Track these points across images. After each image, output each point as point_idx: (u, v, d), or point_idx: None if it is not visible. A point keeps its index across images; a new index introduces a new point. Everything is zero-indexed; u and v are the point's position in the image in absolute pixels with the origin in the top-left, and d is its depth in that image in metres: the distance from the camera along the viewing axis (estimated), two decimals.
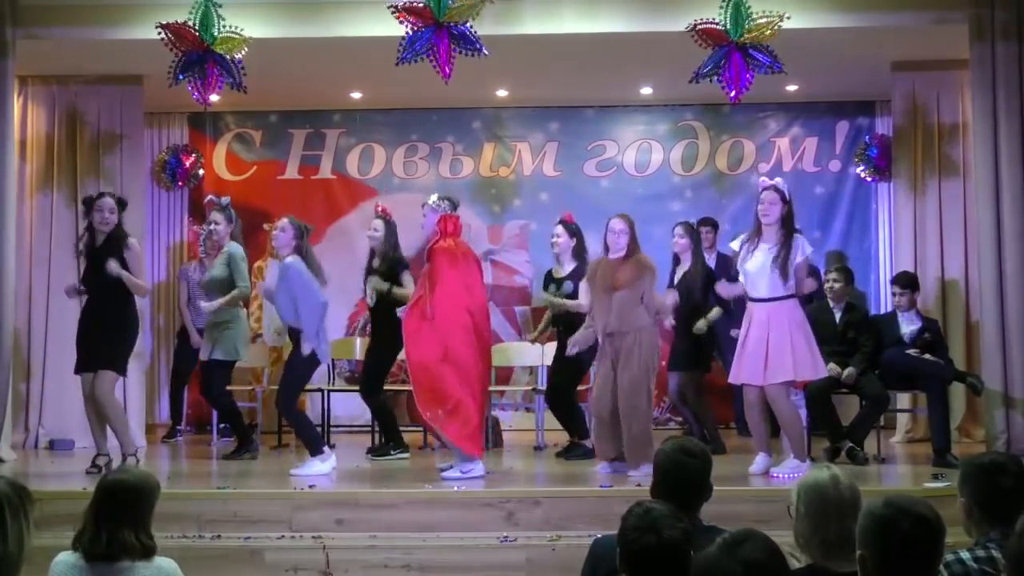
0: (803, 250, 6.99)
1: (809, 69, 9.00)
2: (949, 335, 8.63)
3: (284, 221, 7.49)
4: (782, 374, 6.90)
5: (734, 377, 7.14)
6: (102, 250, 7.38)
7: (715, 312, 8.28)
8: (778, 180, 7.22)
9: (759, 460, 7.11)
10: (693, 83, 7.82)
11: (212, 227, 8.27)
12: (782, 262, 6.88)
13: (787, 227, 6.99)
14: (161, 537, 3.65)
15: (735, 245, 7.27)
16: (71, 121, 9.19)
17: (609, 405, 7.12)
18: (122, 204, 7.55)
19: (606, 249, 7.36)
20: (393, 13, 7.57)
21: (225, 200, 8.41)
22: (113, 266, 7.27)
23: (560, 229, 8.30)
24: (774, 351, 6.88)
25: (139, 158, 9.42)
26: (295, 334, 7.38)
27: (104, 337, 7.39)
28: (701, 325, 8.23)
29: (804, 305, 7.93)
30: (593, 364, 7.79)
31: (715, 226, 9.67)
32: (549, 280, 8.43)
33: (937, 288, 9.00)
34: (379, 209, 8.42)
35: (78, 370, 7.52)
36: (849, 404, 8.16)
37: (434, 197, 7.39)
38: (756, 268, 6.96)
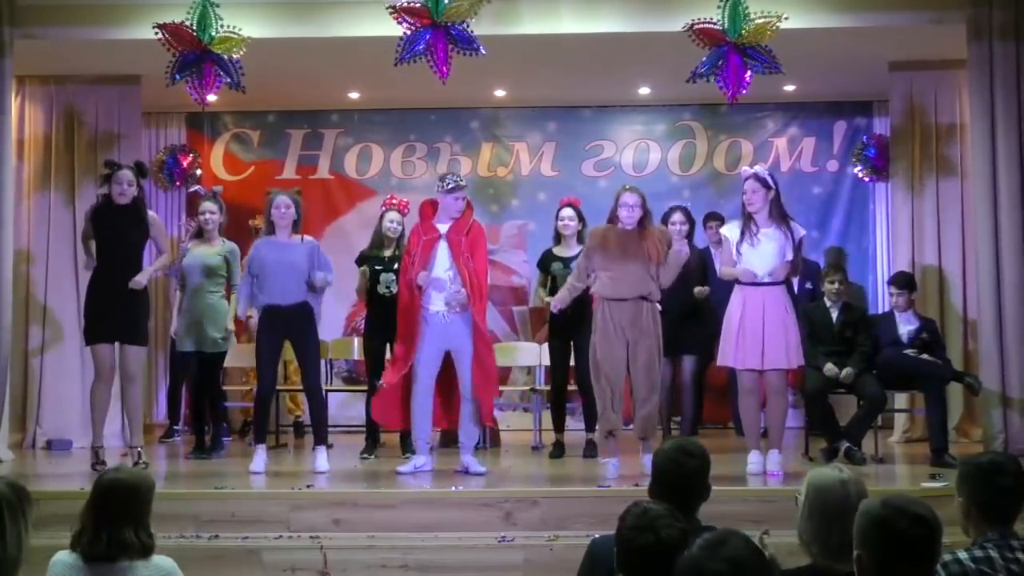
0: (798, 233, 7.07)
1: (807, 69, 9.00)
2: (947, 335, 8.64)
3: (285, 198, 7.36)
4: (778, 361, 6.91)
5: (738, 362, 6.98)
6: (120, 218, 7.34)
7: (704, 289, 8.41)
8: (758, 167, 7.23)
9: (755, 459, 7.09)
10: (690, 83, 7.82)
11: (207, 216, 8.23)
12: (782, 247, 6.96)
13: (779, 212, 7.03)
14: (158, 537, 3.65)
15: (727, 232, 7.20)
16: (69, 121, 9.19)
17: (623, 376, 7.05)
18: (142, 171, 7.52)
19: (613, 219, 7.16)
20: (391, 14, 7.57)
21: (217, 189, 8.43)
22: (141, 279, 7.36)
23: (572, 212, 8.29)
24: (770, 337, 6.90)
25: (137, 158, 9.33)
26: (304, 311, 7.32)
27: (128, 308, 7.35)
28: (701, 289, 8.26)
29: (799, 304, 7.99)
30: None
31: (722, 221, 9.68)
32: (552, 259, 8.27)
33: (935, 288, 9.00)
34: (395, 202, 8.39)
35: (96, 340, 7.37)
36: (847, 404, 8.17)
37: (461, 179, 7.26)
38: (760, 254, 6.95)
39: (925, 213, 9.07)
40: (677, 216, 8.51)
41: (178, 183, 10.32)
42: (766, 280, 6.94)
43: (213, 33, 7.72)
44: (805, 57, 8.46)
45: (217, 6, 7.72)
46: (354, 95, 10.17)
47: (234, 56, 7.77)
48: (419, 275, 7.04)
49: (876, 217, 10.32)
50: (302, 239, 7.37)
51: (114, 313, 7.32)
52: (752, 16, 7.61)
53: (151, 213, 7.51)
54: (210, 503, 6.30)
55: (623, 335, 6.97)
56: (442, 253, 7.09)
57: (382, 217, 8.24)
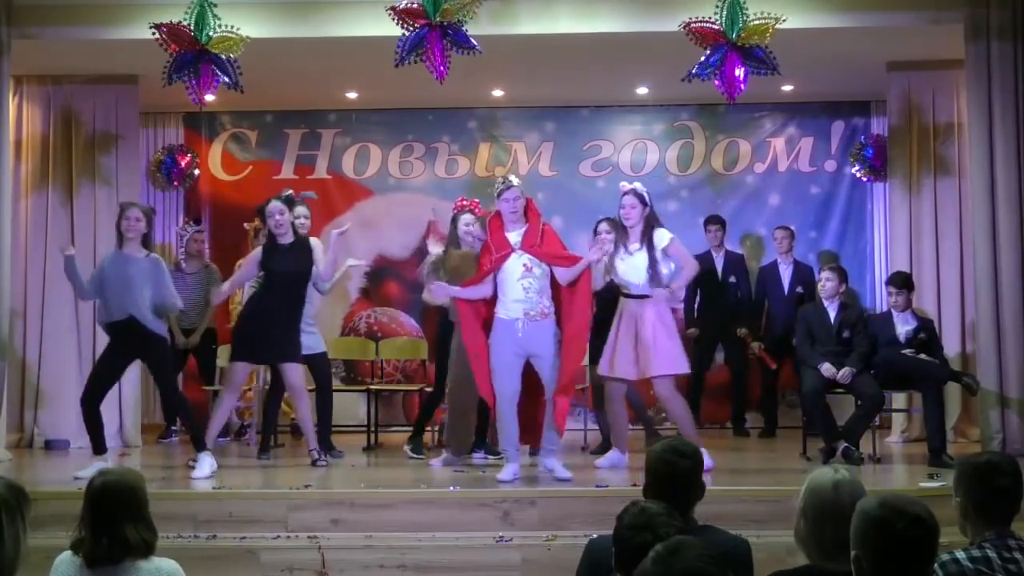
0: (663, 238, 7.23)
1: (805, 69, 9.00)
2: (944, 335, 8.63)
3: (138, 211, 7.26)
4: (652, 369, 7.13)
5: (606, 370, 7.27)
6: (287, 250, 7.59)
7: None
8: (636, 184, 7.41)
9: (615, 457, 7.31)
10: (687, 81, 7.80)
11: (302, 220, 8.10)
12: (651, 260, 7.15)
13: (648, 227, 7.24)
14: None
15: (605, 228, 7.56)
16: (66, 121, 9.18)
17: (469, 395, 7.40)
18: (290, 201, 7.73)
19: (456, 243, 7.75)
20: (391, 16, 7.56)
21: (308, 194, 8.37)
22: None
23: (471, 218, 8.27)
24: (644, 347, 7.13)
25: (134, 158, 9.39)
26: (142, 327, 7.15)
27: (284, 331, 7.57)
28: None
29: (798, 306, 7.98)
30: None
31: (723, 224, 9.72)
32: None
33: (932, 288, 9.00)
34: (465, 203, 8.37)
35: (240, 358, 7.55)
36: (845, 404, 8.17)
37: (514, 179, 7.15)
38: (630, 267, 7.20)
39: (923, 213, 9.08)
40: (603, 226, 8.39)
41: (175, 183, 10.31)
42: (640, 293, 7.18)
43: (211, 33, 7.70)
44: (803, 57, 8.45)
45: (215, 6, 7.70)
46: (352, 95, 10.17)
47: (232, 56, 7.75)
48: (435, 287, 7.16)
49: (874, 217, 10.32)
50: (147, 255, 7.24)
51: (270, 338, 7.49)
52: (750, 17, 7.59)
53: (312, 241, 7.72)
54: (208, 503, 6.31)
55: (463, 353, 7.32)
56: (515, 265, 6.90)
57: (456, 221, 8.13)
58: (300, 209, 8.17)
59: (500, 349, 6.90)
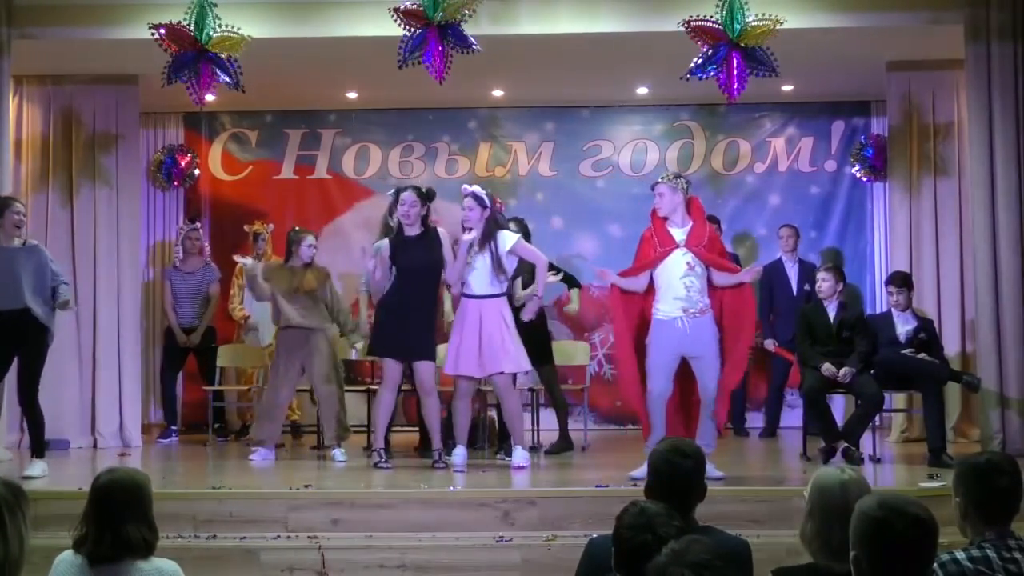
0: (507, 240, 7.36)
1: (805, 69, 9.00)
2: (944, 335, 8.63)
3: (22, 206, 7.42)
4: (495, 366, 7.25)
5: (451, 369, 7.39)
6: (415, 242, 7.46)
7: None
8: (475, 187, 7.49)
9: (460, 452, 7.36)
10: (686, 79, 7.79)
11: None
12: (496, 260, 7.27)
13: (489, 228, 7.34)
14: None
15: (466, 238, 7.47)
16: (66, 121, 9.18)
17: (289, 396, 8.24)
18: (430, 195, 7.60)
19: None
20: (394, 19, 7.56)
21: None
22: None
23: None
24: (487, 345, 7.24)
25: (134, 158, 9.39)
26: (36, 317, 7.12)
27: (425, 328, 7.48)
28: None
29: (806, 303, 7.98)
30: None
31: (718, 223, 9.72)
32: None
33: (932, 288, 9.00)
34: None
35: (382, 355, 7.49)
36: (844, 404, 8.17)
37: (664, 175, 7.08)
38: (475, 268, 7.32)
39: (923, 213, 9.08)
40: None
41: (176, 183, 10.31)
42: (482, 293, 7.31)
43: (211, 33, 7.70)
44: (803, 57, 8.45)
45: (215, 6, 7.70)
46: (352, 95, 10.17)
47: (232, 56, 7.75)
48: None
49: (874, 217, 10.32)
50: (24, 243, 7.28)
51: (404, 335, 7.39)
52: (750, 18, 7.58)
53: (441, 230, 7.58)
54: (208, 503, 6.30)
55: (301, 361, 8.02)
56: (677, 262, 6.79)
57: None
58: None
59: (659, 349, 6.75)
